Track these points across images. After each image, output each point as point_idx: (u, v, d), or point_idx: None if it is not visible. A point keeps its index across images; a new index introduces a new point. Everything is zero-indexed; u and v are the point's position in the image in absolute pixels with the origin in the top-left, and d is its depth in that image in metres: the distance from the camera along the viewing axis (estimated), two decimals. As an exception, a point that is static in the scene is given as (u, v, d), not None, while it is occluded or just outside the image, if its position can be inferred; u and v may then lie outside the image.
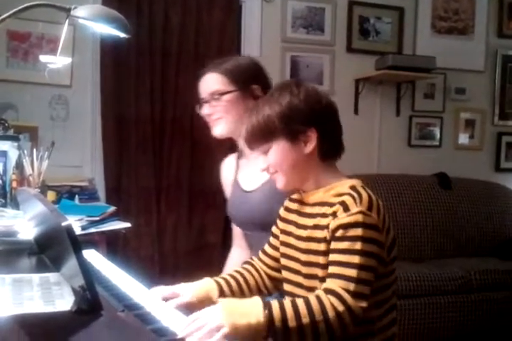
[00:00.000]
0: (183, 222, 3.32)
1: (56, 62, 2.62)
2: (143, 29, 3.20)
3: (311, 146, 1.19)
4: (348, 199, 1.14)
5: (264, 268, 1.37)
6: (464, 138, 4.09)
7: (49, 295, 1.03)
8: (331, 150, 1.23)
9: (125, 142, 3.23)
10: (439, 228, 3.52)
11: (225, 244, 2.83)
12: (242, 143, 1.65)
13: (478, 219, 3.64)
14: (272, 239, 1.38)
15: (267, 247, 1.39)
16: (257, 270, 1.38)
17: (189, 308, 1.18)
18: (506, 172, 4.15)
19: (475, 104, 4.09)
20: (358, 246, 1.08)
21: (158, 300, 1.18)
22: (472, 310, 3.06)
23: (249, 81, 1.63)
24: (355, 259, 1.08)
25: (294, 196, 1.33)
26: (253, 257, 1.42)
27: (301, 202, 1.30)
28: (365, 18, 3.75)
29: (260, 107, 1.23)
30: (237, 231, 1.83)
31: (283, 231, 1.33)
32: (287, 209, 1.34)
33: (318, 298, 1.06)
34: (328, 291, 1.07)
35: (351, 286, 1.06)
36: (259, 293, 1.35)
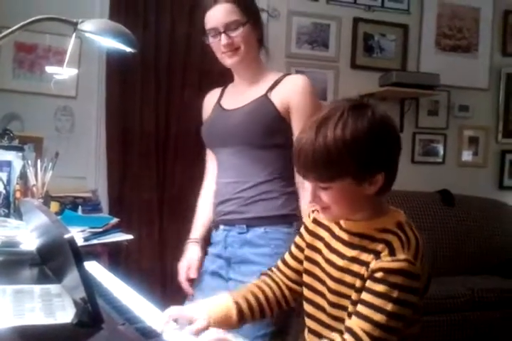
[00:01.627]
0: (185, 235, 3.31)
1: (62, 73, 2.63)
2: (149, 43, 3.22)
3: (375, 188, 1.09)
4: (395, 241, 1.08)
5: (284, 279, 1.30)
6: (467, 156, 4.09)
7: (50, 306, 1.03)
8: (389, 186, 1.13)
9: (129, 154, 3.24)
10: (441, 245, 3.51)
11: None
12: (239, 74, 1.77)
13: (481, 237, 3.62)
14: (294, 250, 1.30)
15: (288, 258, 1.31)
16: (276, 283, 1.30)
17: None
18: (510, 190, 4.14)
19: (479, 122, 4.10)
20: (395, 293, 1.03)
21: (171, 324, 1.12)
22: (474, 328, 3.04)
23: (255, 9, 1.74)
24: (388, 306, 1.03)
25: None
26: (272, 268, 1.35)
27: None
28: (370, 35, 3.78)
29: (329, 134, 1.05)
30: (211, 157, 1.89)
31: (309, 246, 1.25)
32: (316, 222, 1.25)
33: None
34: (349, 330, 1.04)
35: (376, 332, 1.02)
36: (279, 307, 1.30)
